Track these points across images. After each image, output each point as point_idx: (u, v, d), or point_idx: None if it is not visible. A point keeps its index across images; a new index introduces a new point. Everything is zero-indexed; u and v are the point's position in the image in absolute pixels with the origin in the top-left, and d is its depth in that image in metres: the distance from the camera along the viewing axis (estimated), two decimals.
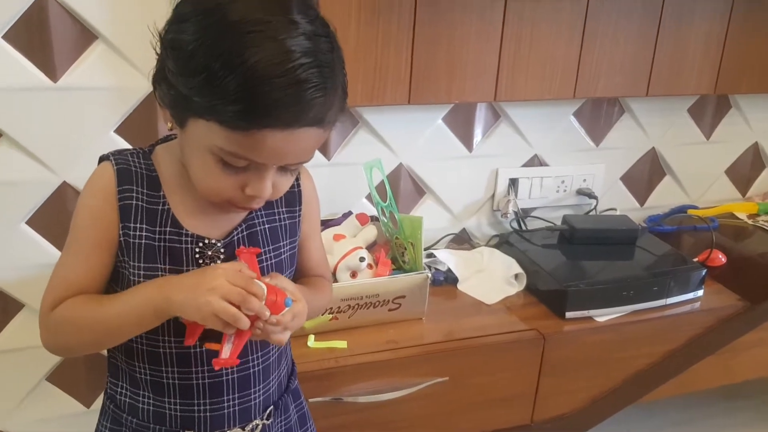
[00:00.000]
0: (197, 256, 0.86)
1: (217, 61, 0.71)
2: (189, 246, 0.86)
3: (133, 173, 0.86)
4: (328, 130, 0.79)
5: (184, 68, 0.74)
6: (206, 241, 0.87)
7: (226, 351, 0.79)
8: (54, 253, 1.42)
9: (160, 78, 0.79)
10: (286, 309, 0.81)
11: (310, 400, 1.25)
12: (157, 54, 0.80)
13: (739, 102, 1.95)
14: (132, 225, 0.84)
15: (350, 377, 1.31)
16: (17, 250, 1.39)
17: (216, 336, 0.80)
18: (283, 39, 0.72)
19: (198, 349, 0.88)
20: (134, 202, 0.85)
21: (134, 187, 0.85)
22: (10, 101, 1.29)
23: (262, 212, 0.92)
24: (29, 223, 1.39)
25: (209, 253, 0.87)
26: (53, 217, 1.40)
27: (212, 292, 0.76)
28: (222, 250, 0.88)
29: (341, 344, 1.34)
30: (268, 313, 0.78)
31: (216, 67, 0.71)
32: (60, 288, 0.86)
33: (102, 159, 0.88)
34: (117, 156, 0.87)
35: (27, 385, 1.50)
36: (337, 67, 0.78)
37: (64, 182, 1.38)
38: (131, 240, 0.84)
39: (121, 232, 0.84)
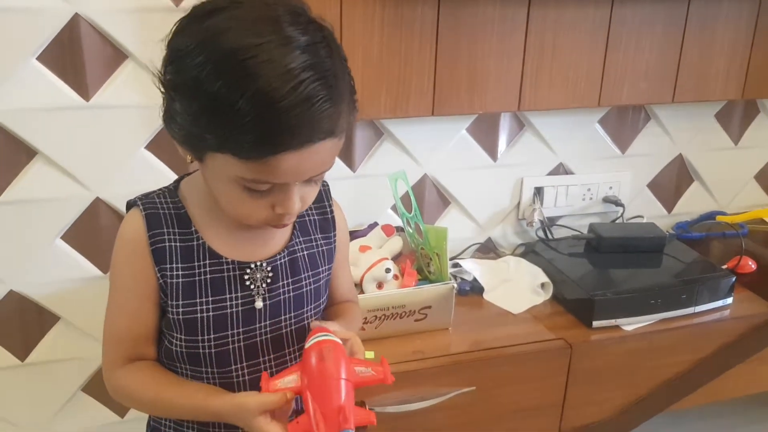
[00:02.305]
0: (247, 281, 0.88)
1: (218, 96, 0.71)
2: (232, 273, 0.88)
3: (162, 216, 0.86)
4: (342, 137, 0.79)
5: (189, 108, 0.74)
6: (253, 265, 0.88)
7: None
8: (88, 267, 1.45)
9: (169, 118, 0.79)
10: None
11: None
12: (162, 93, 0.80)
13: (767, 106, 1.93)
14: (168, 266, 0.85)
15: (377, 387, 1.29)
16: (52, 264, 1.43)
17: None
18: (279, 59, 0.70)
19: (242, 378, 0.90)
20: (167, 243, 0.85)
21: (164, 229, 0.86)
22: (45, 120, 1.33)
23: (301, 239, 0.93)
24: (64, 238, 1.43)
25: (258, 276, 0.89)
26: (87, 232, 1.43)
27: None
28: (270, 273, 0.89)
29: (369, 355, 1.35)
30: None
31: (219, 102, 0.71)
32: (114, 346, 0.89)
33: (129, 205, 0.89)
34: (144, 201, 0.87)
35: (63, 395, 1.54)
36: (340, 72, 0.76)
37: (98, 198, 1.42)
38: (169, 281, 0.86)
39: (158, 275, 0.85)
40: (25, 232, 1.39)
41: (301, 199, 0.82)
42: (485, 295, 1.58)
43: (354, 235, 1.53)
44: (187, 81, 0.73)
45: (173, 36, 0.77)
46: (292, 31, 0.73)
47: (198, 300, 0.86)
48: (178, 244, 0.86)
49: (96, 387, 1.55)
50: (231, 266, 0.87)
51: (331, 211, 0.97)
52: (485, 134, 1.69)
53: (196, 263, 0.86)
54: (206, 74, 0.71)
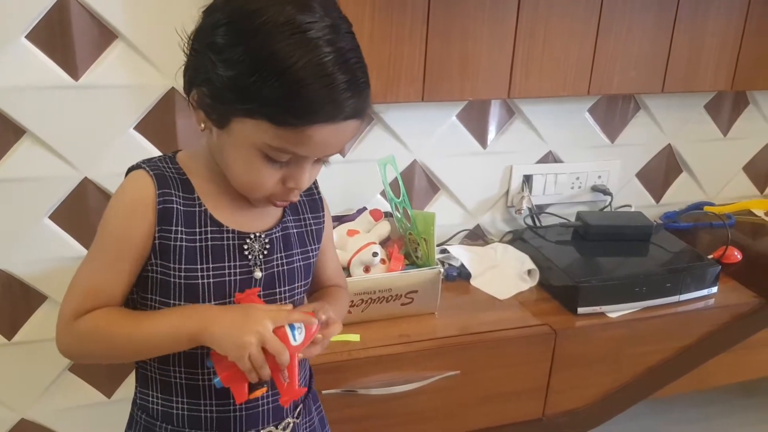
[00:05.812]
0: (246, 251, 0.89)
1: (267, 65, 0.75)
2: (231, 242, 0.89)
3: (169, 178, 0.87)
4: (364, 120, 0.84)
5: (232, 72, 0.77)
6: (253, 236, 0.90)
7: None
8: (75, 247, 1.45)
9: (200, 81, 0.80)
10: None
11: (323, 392, 1.27)
12: (186, 56, 0.82)
13: (756, 98, 1.94)
14: (171, 228, 0.85)
15: (363, 370, 1.33)
16: (40, 243, 1.43)
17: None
18: (328, 36, 0.76)
19: None
20: (174, 205, 0.86)
21: (172, 191, 0.86)
22: (34, 99, 1.33)
23: (291, 217, 0.96)
24: (52, 217, 1.43)
25: (257, 246, 0.90)
26: (75, 212, 1.43)
27: (254, 335, 0.80)
28: (267, 245, 0.91)
29: (354, 337, 1.35)
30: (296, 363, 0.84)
31: (267, 70, 0.75)
32: (86, 297, 0.86)
33: (132, 169, 0.89)
34: (149, 164, 0.88)
35: (50, 375, 1.54)
36: (364, 59, 0.82)
37: (86, 178, 1.42)
38: (170, 243, 0.85)
39: (157, 234, 0.85)
40: (13, 211, 1.39)
41: (309, 177, 0.85)
42: (472, 281, 1.59)
43: (342, 219, 1.54)
44: (233, 46, 0.77)
45: (214, 5, 0.80)
46: (323, 15, 0.78)
47: (199, 266, 0.87)
48: (182, 208, 0.87)
49: (83, 367, 1.56)
50: (231, 235, 0.89)
51: (318, 193, 1.00)
52: (475, 121, 1.70)
53: (197, 229, 0.87)
54: (256, 43, 0.76)
